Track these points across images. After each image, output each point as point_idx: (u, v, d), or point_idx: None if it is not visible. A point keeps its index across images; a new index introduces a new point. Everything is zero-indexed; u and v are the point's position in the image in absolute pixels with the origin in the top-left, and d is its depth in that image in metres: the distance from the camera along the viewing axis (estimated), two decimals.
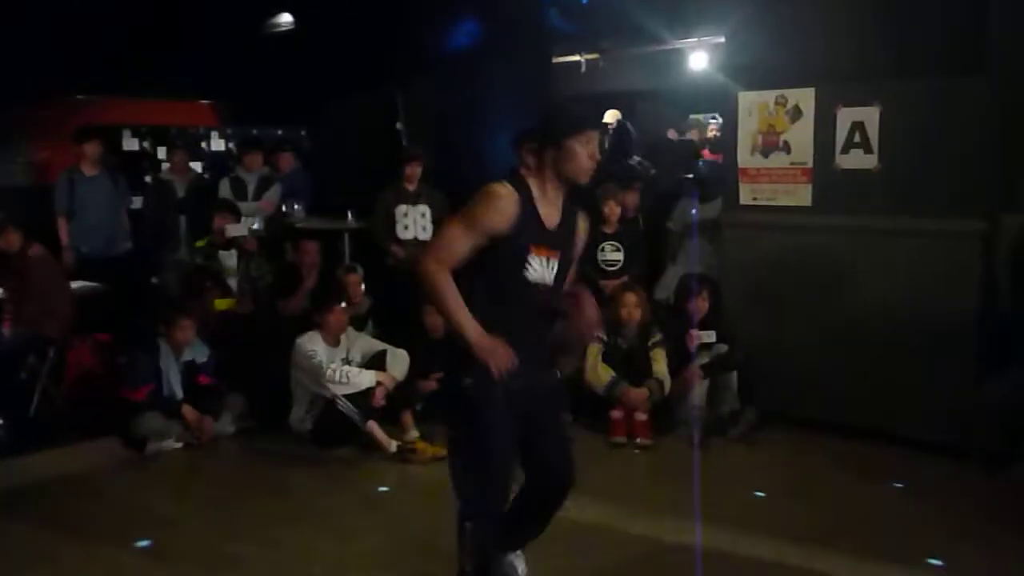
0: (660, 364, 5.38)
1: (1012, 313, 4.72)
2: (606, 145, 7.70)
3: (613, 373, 5.33)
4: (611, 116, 8.41)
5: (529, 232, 2.87)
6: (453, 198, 6.74)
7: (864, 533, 3.98)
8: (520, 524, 3.18)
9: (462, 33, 7.51)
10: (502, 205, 2.83)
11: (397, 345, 5.48)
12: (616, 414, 5.24)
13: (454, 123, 7.90)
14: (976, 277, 4.71)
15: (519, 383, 2.87)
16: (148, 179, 8.55)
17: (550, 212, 2.96)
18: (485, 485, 2.99)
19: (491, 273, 2.89)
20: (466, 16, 7.47)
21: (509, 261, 2.88)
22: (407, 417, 5.25)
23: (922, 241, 4.85)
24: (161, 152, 8.86)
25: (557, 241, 2.97)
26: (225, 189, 7.26)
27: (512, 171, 3.10)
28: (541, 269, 2.92)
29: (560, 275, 3.00)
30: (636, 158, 7.85)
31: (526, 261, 2.88)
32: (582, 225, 3.13)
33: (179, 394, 5.28)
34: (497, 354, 2.78)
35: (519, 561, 3.31)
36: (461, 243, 2.82)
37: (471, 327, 2.80)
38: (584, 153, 2.91)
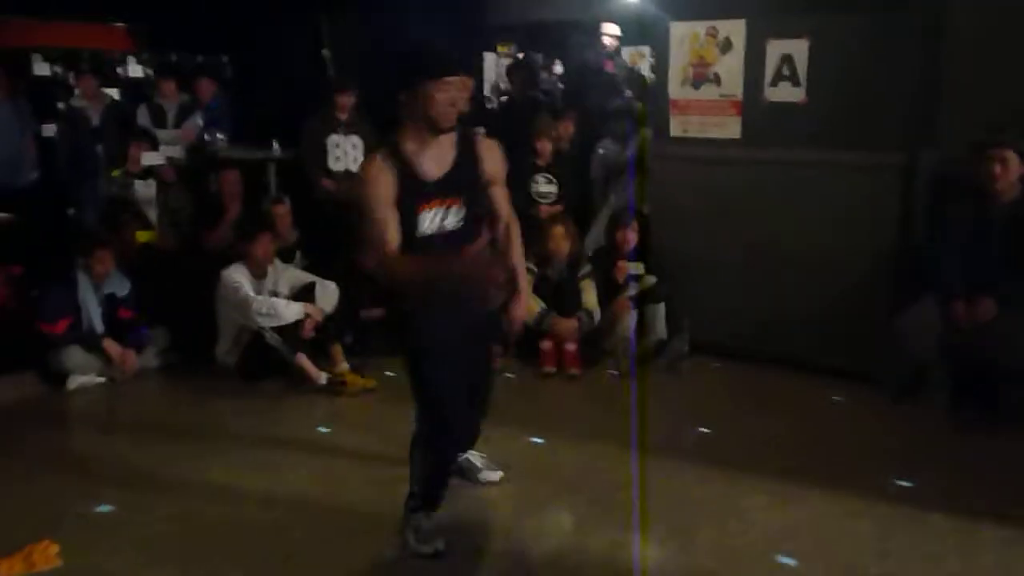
0: (590, 295, 5.42)
1: (927, 247, 4.86)
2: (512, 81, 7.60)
3: (543, 304, 5.36)
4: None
5: (411, 193, 2.84)
6: (378, 129, 6.61)
7: (816, 459, 4.01)
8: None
9: None
10: (378, 180, 2.83)
11: (326, 277, 5.41)
12: (546, 345, 5.28)
13: (381, 52, 7.69)
14: (894, 210, 4.83)
15: (454, 312, 2.93)
16: (61, 106, 8.17)
17: (430, 163, 2.89)
18: (432, 409, 3.06)
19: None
20: None
21: (405, 224, 2.87)
22: (336, 350, 5.19)
23: (844, 174, 4.93)
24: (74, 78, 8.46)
25: (446, 190, 2.90)
26: (144, 116, 7.00)
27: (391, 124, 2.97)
28: (435, 221, 2.90)
29: (469, 216, 2.98)
30: (542, 89, 7.70)
31: (416, 220, 2.88)
32: (488, 155, 3.04)
33: (99, 328, 5.13)
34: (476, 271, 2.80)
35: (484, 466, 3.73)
36: (383, 224, 2.83)
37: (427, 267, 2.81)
38: (444, 100, 2.77)
